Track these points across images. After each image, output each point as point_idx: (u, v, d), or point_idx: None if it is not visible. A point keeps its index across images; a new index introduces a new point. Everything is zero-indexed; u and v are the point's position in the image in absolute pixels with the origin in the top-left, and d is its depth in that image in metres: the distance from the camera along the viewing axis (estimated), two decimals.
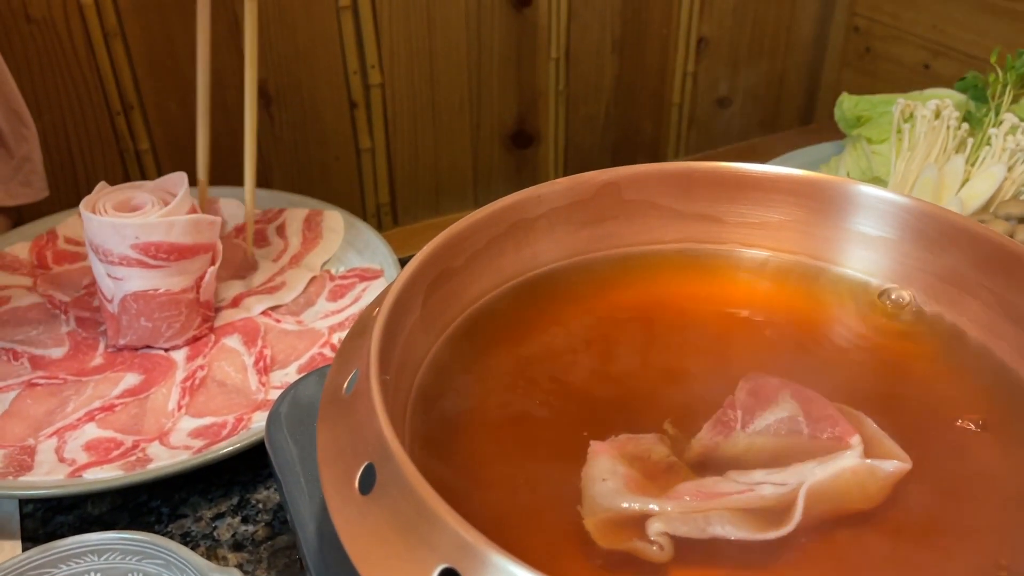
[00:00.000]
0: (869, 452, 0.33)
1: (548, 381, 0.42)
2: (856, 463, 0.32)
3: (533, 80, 1.25)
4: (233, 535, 0.52)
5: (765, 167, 0.45)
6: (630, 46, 1.30)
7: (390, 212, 1.26)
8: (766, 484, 0.32)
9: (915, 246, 0.43)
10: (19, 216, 0.81)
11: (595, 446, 0.33)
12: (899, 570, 0.31)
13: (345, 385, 0.37)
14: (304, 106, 1.13)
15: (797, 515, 0.31)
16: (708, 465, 0.34)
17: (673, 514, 0.30)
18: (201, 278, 0.61)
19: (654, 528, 0.30)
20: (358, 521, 0.31)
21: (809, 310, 0.45)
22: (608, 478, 0.32)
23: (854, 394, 0.38)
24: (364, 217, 1.21)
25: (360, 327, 0.40)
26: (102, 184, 0.60)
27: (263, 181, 1.16)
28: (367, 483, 0.32)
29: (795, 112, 1.52)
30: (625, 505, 0.31)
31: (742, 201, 0.48)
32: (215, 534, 0.52)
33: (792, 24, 1.42)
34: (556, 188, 0.47)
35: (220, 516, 0.53)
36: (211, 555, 0.51)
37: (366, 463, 0.33)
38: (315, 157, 1.18)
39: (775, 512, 0.31)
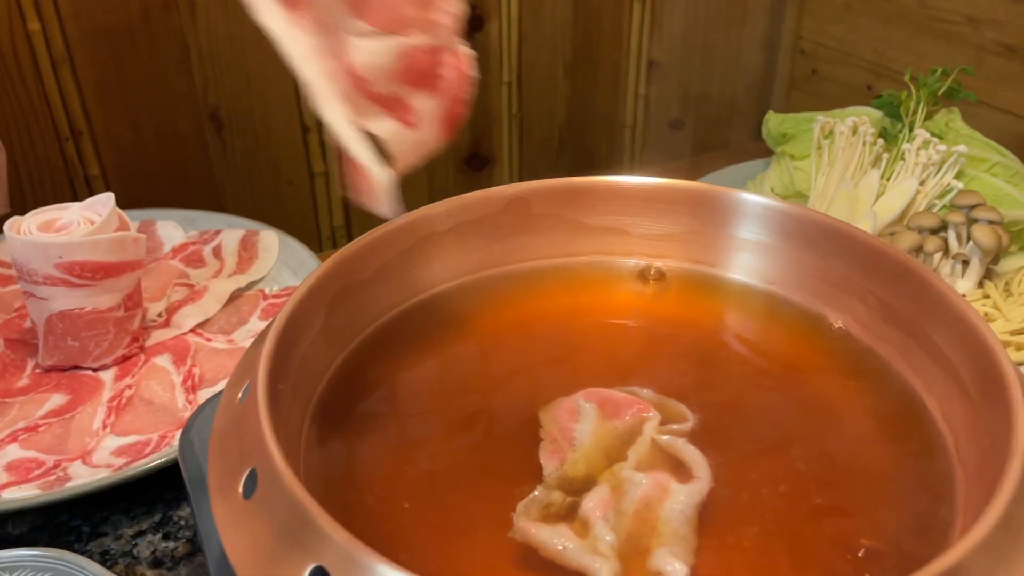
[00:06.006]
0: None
1: (448, 397, 0.42)
2: (658, 430, 0.37)
3: (487, 103, 1.27)
4: (153, 552, 0.52)
5: (660, 180, 0.47)
6: (582, 70, 1.32)
7: (345, 235, 1.26)
8: (634, 473, 0.34)
9: (802, 251, 0.44)
10: None
11: (518, 529, 0.34)
12: None
13: (239, 395, 0.37)
14: (256, 131, 1.14)
15: (696, 455, 0.36)
16: (574, 492, 0.36)
17: (676, 550, 0.33)
18: (129, 296, 0.61)
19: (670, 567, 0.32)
20: (239, 524, 0.32)
21: (706, 318, 0.46)
22: (566, 542, 0.33)
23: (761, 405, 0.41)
24: (319, 240, 1.22)
25: (260, 339, 0.40)
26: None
27: (215, 205, 1.17)
28: (250, 488, 0.33)
29: (747, 133, 1.55)
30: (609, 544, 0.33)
31: (646, 214, 0.49)
32: (135, 551, 0.52)
33: (741, 47, 1.45)
34: (464, 202, 0.48)
35: (141, 534, 0.54)
36: (129, 572, 0.51)
37: (250, 469, 0.33)
38: (268, 182, 1.18)
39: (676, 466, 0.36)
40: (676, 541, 0.33)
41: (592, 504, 0.34)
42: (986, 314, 0.61)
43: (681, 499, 0.35)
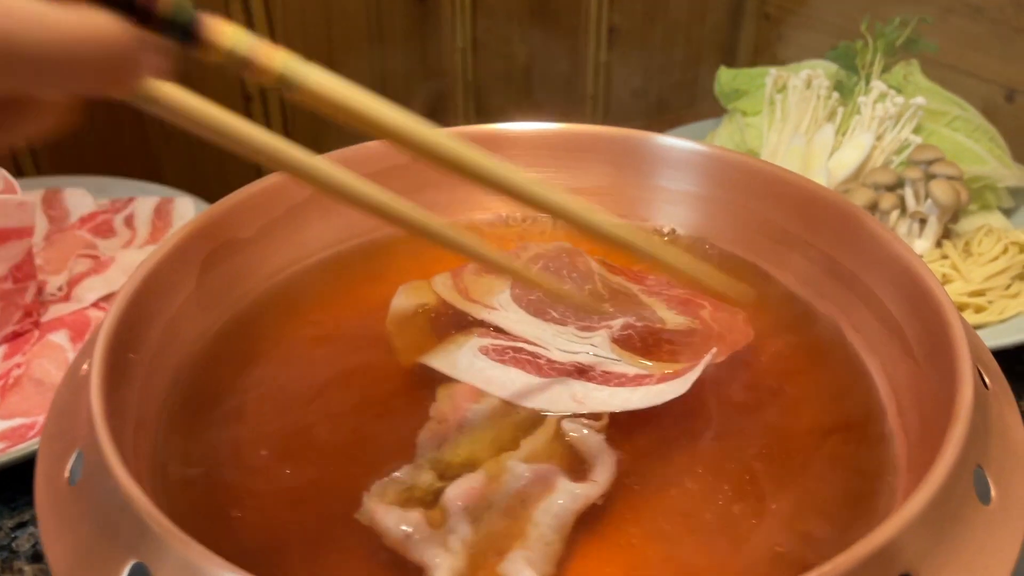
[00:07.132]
0: None
1: (337, 371, 0.37)
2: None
3: (440, 71, 1.21)
4: (34, 545, 0.47)
5: (580, 125, 0.42)
6: (539, 36, 1.27)
7: None
8: (518, 464, 0.29)
9: (737, 201, 0.40)
10: None
11: (367, 509, 0.29)
12: None
13: (85, 365, 0.33)
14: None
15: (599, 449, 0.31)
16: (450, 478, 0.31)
17: (533, 556, 0.28)
18: (18, 267, 0.56)
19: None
20: (60, 513, 0.28)
21: None
22: (412, 530, 0.29)
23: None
24: None
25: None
26: None
27: (154, 176, 1.11)
28: (77, 472, 0.28)
29: (712, 101, 1.51)
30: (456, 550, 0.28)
31: (568, 164, 0.45)
32: (13, 545, 0.47)
33: (705, 12, 1.41)
34: (363, 152, 0.44)
35: (22, 525, 0.49)
36: (6, 568, 0.46)
37: (77, 450, 0.29)
38: (209, 152, 1.12)
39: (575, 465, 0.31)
40: (538, 547, 0.28)
41: (456, 492, 0.30)
42: (944, 275, 0.57)
43: (560, 501, 0.29)
